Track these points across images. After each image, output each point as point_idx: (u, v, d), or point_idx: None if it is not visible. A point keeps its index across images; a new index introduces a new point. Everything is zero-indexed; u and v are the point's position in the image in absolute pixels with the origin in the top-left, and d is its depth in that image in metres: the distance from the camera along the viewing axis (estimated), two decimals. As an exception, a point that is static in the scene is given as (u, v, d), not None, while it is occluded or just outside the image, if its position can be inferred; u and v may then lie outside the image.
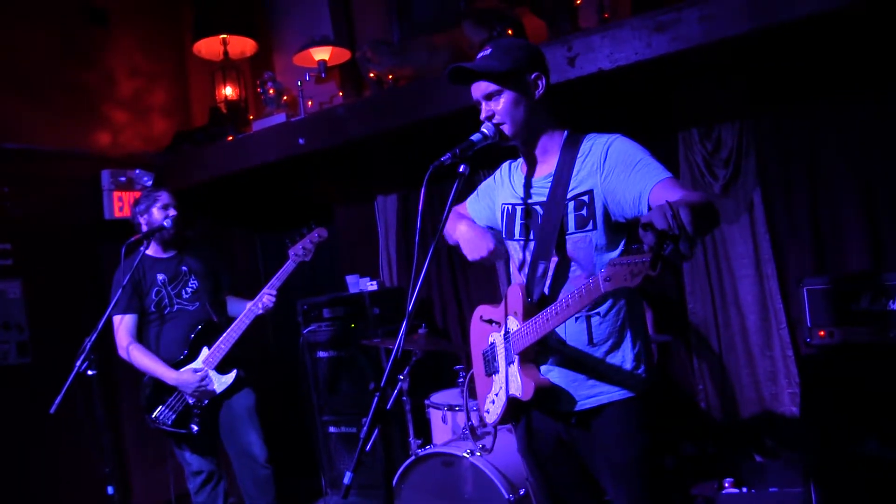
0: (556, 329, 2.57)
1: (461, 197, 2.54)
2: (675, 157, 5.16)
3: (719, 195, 5.03)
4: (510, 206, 2.84)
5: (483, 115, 2.64)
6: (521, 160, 2.89)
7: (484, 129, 2.60)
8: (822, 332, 4.18)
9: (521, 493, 3.81)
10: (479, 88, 2.64)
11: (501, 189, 2.94)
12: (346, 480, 2.15)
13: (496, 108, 2.61)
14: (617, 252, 2.56)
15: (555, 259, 2.62)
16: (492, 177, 3.06)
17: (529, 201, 2.74)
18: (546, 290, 2.64)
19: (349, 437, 5.81)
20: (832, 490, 4.01)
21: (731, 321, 5.11)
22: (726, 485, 4.72)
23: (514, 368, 2.67)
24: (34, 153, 5.65)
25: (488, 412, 2.89)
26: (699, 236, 1.90)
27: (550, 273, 2.63)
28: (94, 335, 3.85)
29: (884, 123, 4.51)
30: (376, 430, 2.18)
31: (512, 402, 2.70)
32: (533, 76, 2.65)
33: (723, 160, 5.00)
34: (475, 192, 3.17)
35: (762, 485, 4.71)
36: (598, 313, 2.60)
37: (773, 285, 4.91)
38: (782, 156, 4.88)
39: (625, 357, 2.61)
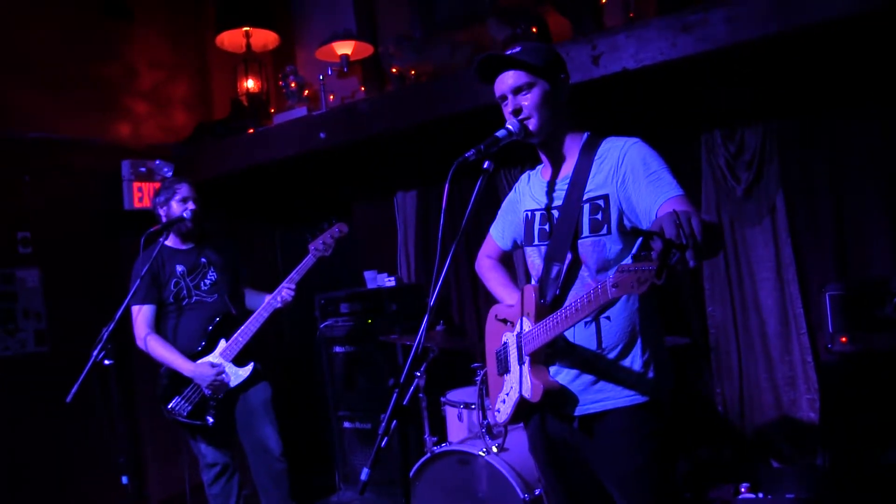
0: (566, 332, 2.56)
1: (484, 194, 2.52)
2: (698, 158, 5.13)
3: (741, 198, 5.00)
4: (530, 213, 2.84)
5: (510, 110, 2.62)
6: (539, 167, 2.89)
7: (509, 126, 2.58)
8: (843, 338, 4.15)
9: (537, 492, 3.78)
10: (507, 82, 2.62)
11: (523, 198, 2.94)
12: (363, 476, 2.13)
13: (524, 102, 2.59)
14: (630, 256, 2.54)
15: (568, 261, 2.61)
16: (511, 191, 3.06)
17: (549, 205, 2.73)
18: (558, 292, 2.63)
19: (364, 432, 5.81)
20: (851, 498, 3.98)
21: (750, 325, 5.07)
22: (742, 490, 4.69)
23: (525, 369, 2.65)
24: (55, 143, 5.67)
25: (499, 411, 2.88)
26: (706, 251, 1.88)
27: (563, 275, 2.62)
28: (112, 325, 3.85)
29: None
30: (394, 425, 2.17)
31: (521, 402, 2.68)
32: (562, 76, 2.67)
33: (745, 163, 4.97)
34: (496, 217, 3.17)
35: (779, 491, 4.67)
36: (608, 317, 2.59)
37: (794, 290, 4.87)
38: (805, 160, 4.85)
39: (634, 362, 2.58)
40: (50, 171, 5.63)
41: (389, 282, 6.10)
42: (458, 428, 4.74)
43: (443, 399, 4.88)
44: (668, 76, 4.46)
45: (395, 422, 2.17)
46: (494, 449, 3.97)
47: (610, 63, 4.35)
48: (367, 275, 6.28)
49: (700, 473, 4.96)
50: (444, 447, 4.21)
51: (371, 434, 5.77)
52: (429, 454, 4.23)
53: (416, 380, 4.50)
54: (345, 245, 4.73)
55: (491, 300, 3.23)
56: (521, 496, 3.75)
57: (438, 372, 4.78)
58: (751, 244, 5.04)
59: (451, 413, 4.83)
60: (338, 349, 5.92)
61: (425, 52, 5.59)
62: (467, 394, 4.84)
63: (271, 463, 4.57)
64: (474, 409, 4.59)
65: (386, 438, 2.14)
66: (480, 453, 3.96)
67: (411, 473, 4.26)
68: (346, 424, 5.90)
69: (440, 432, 4.88)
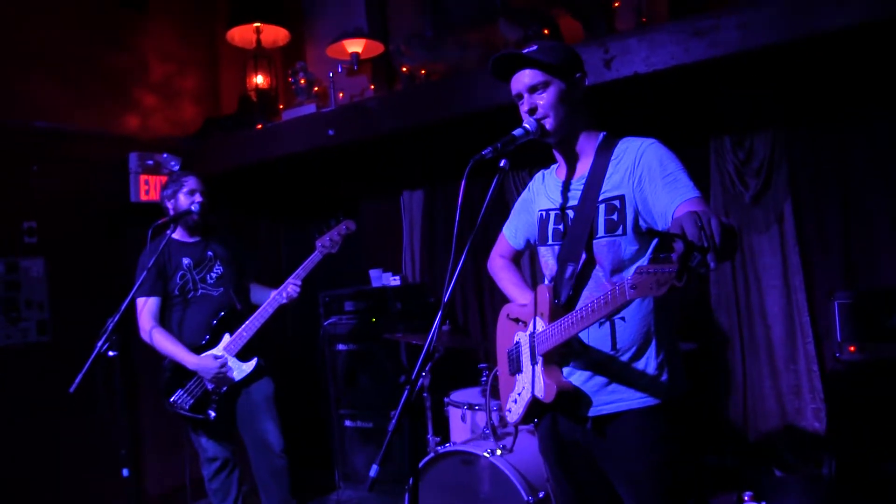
0: (580, 333, 2.54)
1: (499, 193, 2.50)
2: (707, 164, 5.12)
3: (749, 205, 4.99)
4: (545, 212, 2.82)
5: (525, 108, 2.62)
6: (554, 166, 2.88)
7: (525, 125, 2.57)
8: (852, 347, 4.14)
9: (541, 495, 3.76)
10: (523, 81, 2.61)
11: (537, 198, 2.93)
12: (372, 473, 2.15)
13: (539, 101, 2.59)
14: (646, 258, 2.52)
15: (582, 261, 2.60)
16: (525, 190, 3.05)
17: (563, 205, 2.72)
18: (572, 292, 2.61)
19: (365, 431, 5.79)
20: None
21: (756, 332, 5.06)
22: (746, 498, 4.66)
23: (538, 369, 2.64)
24: (63, 133, 5.65)
25: (510, 411, 2.87)
26: (725, 253, 1.86)
27: (577, 275, 2.61)
28: (117, 316, 3.82)
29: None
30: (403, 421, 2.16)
31: (534, 402, 2.67)
32: (578, 75, 2.65)
33: (754, 170, 4.96)
34: (509, 217, 3.16)
35: (782, 500, 4.65)
36: (623, 318, 2.57)
37: (801, 298, 4.86)
38: (814, 167, 4.84)
39: (648, 364, 2.57)
40: (58, 161, 5.61)
41: (394, 281, 6.10)
42: (461, 429, 4.73)
43: (446, 399, 4.86)
44: (680, 81, 4.46)
45: (406, 418, 2.16)
46: (499, 451, 3.95)
47: (622, 66, 4.34)
48: (372, 273, 6.28)
49: (704, 481, 4.94)
50: (448, 447, 4.18)
51: (372, 433, 5.76)
52: (432, 454, 4.21)
53: (421, 379, 4.48)
54: (350, 243, 4.72)
55: (496, 302, 3.22)
56: (525, 498, 3.73)
57: (442, 372, 4.77)
58: (758, 251, 5.03)
59: (454, 414, 4.81)
60: (341, 347, 5.91)
61: (436, 51, 5.59)
62: (471, 395, 4.83)
63: (272, 459, 4.56)
64: (478, 410, 4.57)
65: (389, 435, 2.13)
66: (485, 454, 3.94)
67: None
68: (348, 423, 5.89)
69: (443, 433, 4.87)
